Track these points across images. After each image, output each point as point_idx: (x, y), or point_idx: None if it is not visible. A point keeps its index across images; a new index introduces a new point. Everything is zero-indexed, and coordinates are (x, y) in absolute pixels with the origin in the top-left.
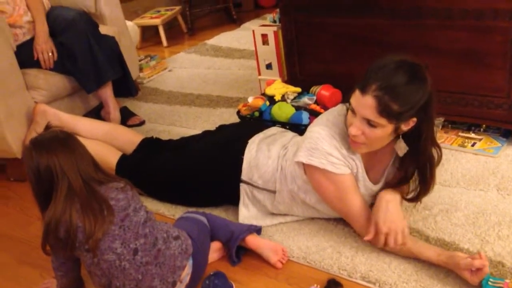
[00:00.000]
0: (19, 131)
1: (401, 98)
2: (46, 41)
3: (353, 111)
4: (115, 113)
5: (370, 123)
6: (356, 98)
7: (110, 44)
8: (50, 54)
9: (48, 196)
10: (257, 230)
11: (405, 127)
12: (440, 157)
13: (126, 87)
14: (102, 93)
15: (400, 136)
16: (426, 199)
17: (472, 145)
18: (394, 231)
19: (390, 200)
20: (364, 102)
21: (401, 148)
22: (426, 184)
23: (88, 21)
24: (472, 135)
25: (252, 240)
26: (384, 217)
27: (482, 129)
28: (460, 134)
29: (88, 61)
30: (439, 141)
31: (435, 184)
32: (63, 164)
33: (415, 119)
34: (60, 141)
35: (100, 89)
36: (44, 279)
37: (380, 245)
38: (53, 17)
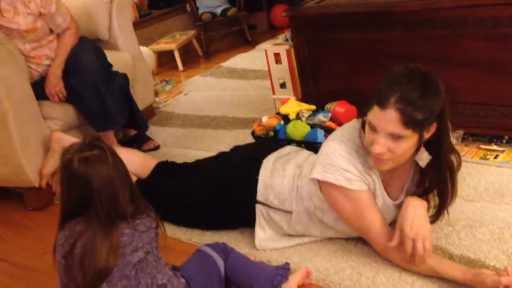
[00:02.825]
0: (35, 159)
1: (422, 106)
2: (55, 85)
3: (374, 129)
4: None
5: (395, 137)
6: (376, 114)
7: (120, 85)
8: (60, 96)
9: (74, 208)
10: (285, 275)
11: (427, 135)
12: (459, 163)
13: (136, 122)
14: (104, 134)
15: (422, 146)
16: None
17: (495, 158)
18: (422, 237)
19: (418, 206)
20: (387, 117)
21: (424, 158)
22: (448, 194)
23: (100, 68)
24: (494, 147)
25: None
26: (411, 221)
27: (504, 141)
28: (482, 146)
29: (96, 108)
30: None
31: (457, 193)
32: (102, 189)
33: (435, 125)
34: (107, 163)
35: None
36: None
37: (408, 252)
38: (70, 54)
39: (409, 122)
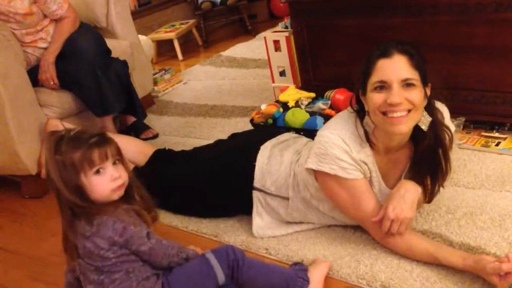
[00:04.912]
0: (32, 147)
1: (421, 55)
2: (46, 71)
3: (383, 86)
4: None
5: (407, 85)
6: (383, 66)
7: (118, 73)
8: (52, 82)
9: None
10: (305, 278)
11: (427, 91)
12: (451, 139)
13: (134, 110)
14: (104, 120)
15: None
16: (448, 203)
17: (496, 145)
18: (400, 221)
19: (410, 190)
20: (396, 63)
21: (426, 121)
22: (443, 170)
23: (98, 53)
24: (496, 134)
25: None
26: (396, 204)
27: (506, 128)
28: (483, 133)
29: (93, 93)
30: (461, 142)
31: (451, 170)
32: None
33: (430, 86)
34: None
35: None
36: None
37: (383, 230)
38: (68, 38)
39: (416, 64)
